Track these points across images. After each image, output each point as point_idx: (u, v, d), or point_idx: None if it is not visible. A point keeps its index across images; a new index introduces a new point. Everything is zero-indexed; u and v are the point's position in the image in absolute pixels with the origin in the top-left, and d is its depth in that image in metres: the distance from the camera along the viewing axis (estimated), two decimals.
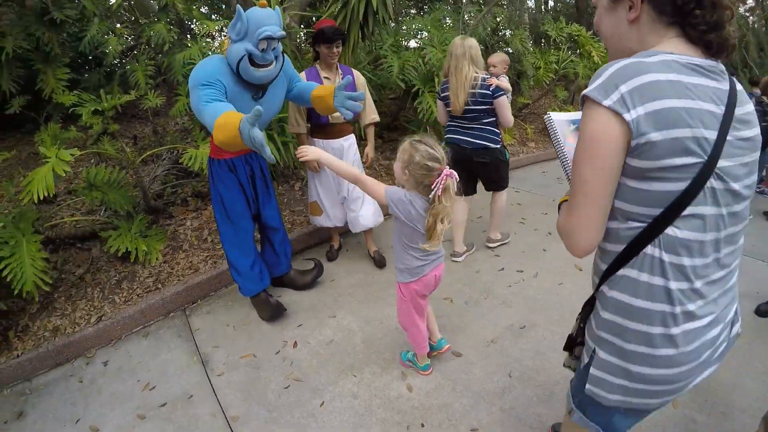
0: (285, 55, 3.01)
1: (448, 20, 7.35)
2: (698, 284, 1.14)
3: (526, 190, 6.11)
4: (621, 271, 1.19)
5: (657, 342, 1.17)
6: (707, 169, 1.04)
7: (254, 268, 3.38)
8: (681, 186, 1.05)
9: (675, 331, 1.16)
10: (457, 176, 2.17)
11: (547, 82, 7.65)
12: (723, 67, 1.10)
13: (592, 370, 1.32)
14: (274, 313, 3.45)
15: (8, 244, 3.17)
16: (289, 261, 3.77)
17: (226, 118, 2.27)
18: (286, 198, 4.97)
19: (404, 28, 6.75)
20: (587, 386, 1.34)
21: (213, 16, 6.25)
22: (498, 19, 7.71)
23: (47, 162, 3.23)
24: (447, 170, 2.12)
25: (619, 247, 1.18)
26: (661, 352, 1.17)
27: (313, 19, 5.14)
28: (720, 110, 1.05)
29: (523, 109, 8.48)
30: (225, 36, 2.94)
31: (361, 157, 3.97)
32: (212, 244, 4.20)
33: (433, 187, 2.13)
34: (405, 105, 6.45)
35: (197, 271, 3.94)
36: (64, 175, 3.20)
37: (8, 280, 3.11)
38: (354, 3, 4.23)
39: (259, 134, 2.00)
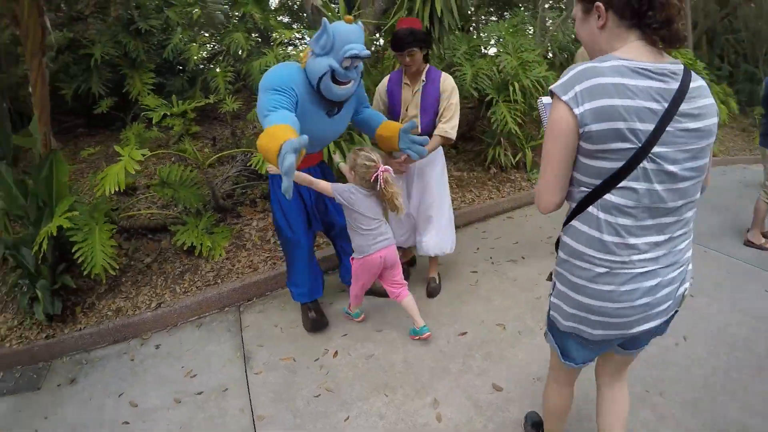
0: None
1: (530, 27, 7.09)
2: (632, 240, 1.42)
3: None
4: (571, 223, 1.53)
5: (597, 279, 1.48)
6: (641, 153, 1.31)
7: (307, 277, 3.37)
8: (617, 165, 1.34)
9: (611, 272, 1.46)
10: (392, 171, 2.92)
11: None
12: (677, 69, 1.34)
13: (552, 299, 1.68)
14: (314, 326, 3.43)
15: (82, 231, 3.50)
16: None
17: (277, 130, 2.23)
18: None
19: (483, 34, 6.58)
20: (550, 312, 1.70)
21: (294, 25, 6.48)
22: None
23: (120, 160, 3.52)
24: (382, 167, 2.87)
25: (573, 206, 1.51)
26: (601, 287, 1.48)
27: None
28: (661, 107, 1.30)
29: None
30: (306, 47, 2.93)
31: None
32: (274, 246, 4.31)
33: (372, 180, 2.88)
34: (479, 114, 6.33)
35: (256, 270, 4.05)
36: (133, 172, 3.49)
37: (79, 262, 3.43)
38: (418, 9, 4.13)
39: (290, 161, 2.00)
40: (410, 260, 4.18)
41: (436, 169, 3.57)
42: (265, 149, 2.23)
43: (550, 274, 1.78)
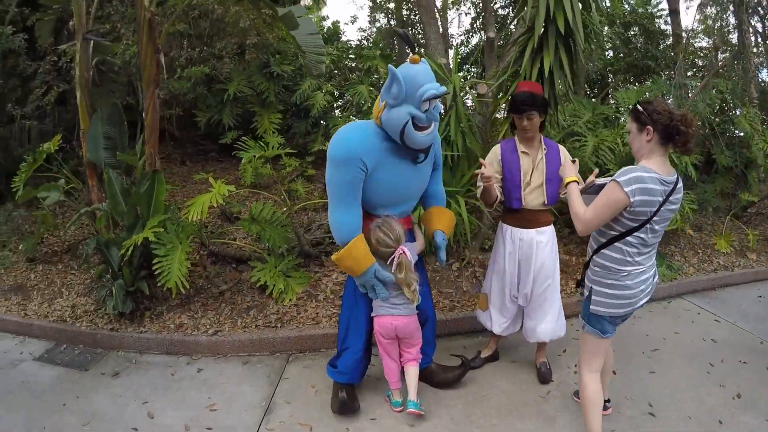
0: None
1: (670, 97, 6.20)
2: (637, 258, 2.45)
3: (729, 321, 4.50)
4: (604, 250, 2.49)
5: (622, 278, 2.46)
6: (647, 221, 2.35)
7: (349, 356, 3.19)
8: (637, 224, 2.37)
9: (629, 274, 2.45)
10: (409, 254, 2.90)
11: None
12: (674, 179, 2.38)
13: (593, 298, 2.54)
14: (341, 409, 3.17)
15: (165, 246, 3.93)
16: (432, 353, 3.45)
17: (357, 252, 2.70)
18: (438, 276, 4.78)
19: (612, 101, 5.89)
20: (591, 307, 2.54)
21: None
22: (724, 95, 6.21)
23: (210, 191, 3.90)
24: (400, 249, 2.85)
25: (604, 240, 2.49)
26: (624, 282, 2.46)
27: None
28: (662, 199, 2.32)
29: (747, 208, 6.62)
30: (377, 100, 2.82)
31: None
32: None
33: (388, 262, 2.87)
34: None
35: (318, 323, 4.11)
36: (216, 205, 3.92)
37: (156, 273, 3.84)
38: (525, 71, 3.87)
39: (382, 292, 2.73)
40: (493, 354, 3.79)
41: (550, 248, 3.35)
42: (347, 268, 2.75)
43: (578, 282, 2.77)
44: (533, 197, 3.18)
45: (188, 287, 3.93)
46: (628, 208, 2.30)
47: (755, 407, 3.22)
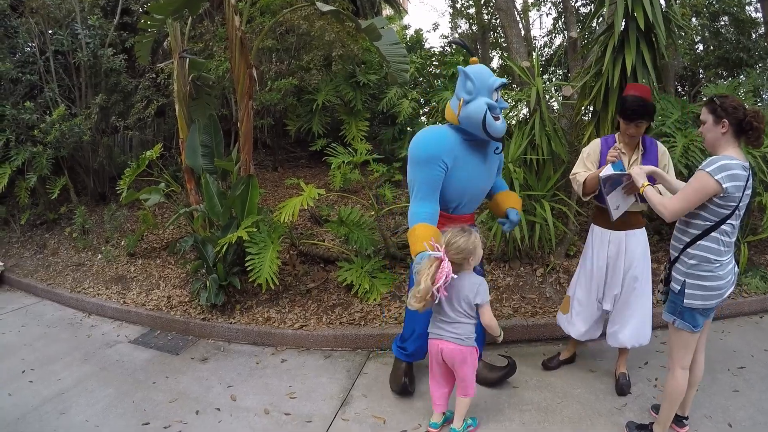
0: None
1: (764, 93, 5.75)
2: (728, 248, 2.57)
3: None
4: (701, 242, 2.55)
5: (716, 270, 2.54)
6: (737, 206, 2.47)
7: (415, 337, 3.36)
8: (728, 211, 2.48)
9: (722, 264, 2.54)
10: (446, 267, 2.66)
11: None
12: (750, 165, 2.51)
13: (687, 291, 2.59)
14: (400, 389, 3.40)
15: (258, 245, 4.25)
16: (480, 350, 3.50)
17: (423, 231, 2.80)
18: (522, 281, 4.78)
19: (703, 96, 5.56)
20: (685, 300, 2.59)
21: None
22: None
23: (301, 195, 4.19)
24: (442, 253, 2.68)
25: (698, 232, 2.55)
26: (718, 273, 2.54)
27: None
28: (745, 182, 2.43)
29: None
30: (447, 105, 3.09)
31: None
32: None
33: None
34: None
35: (400, 323, 4.22)
36: (306, 208, 4.18)
37: (248, 269, 4.17)
38: (607, 71, 3.83)
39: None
40: (571, 358, 3.80)
41: (642, 249, 3.31)
42: (411, 245, 2.85)
43: (663, 279, 2.83)
44: (621, 196, 3.12)
45: (278, 284, 4.23)
46: (720, 195, 2.42)
47: None
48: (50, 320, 4.85)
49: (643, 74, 3.84)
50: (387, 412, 3.30)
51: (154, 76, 6.58)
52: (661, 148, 3.22)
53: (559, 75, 9.89)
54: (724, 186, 2.38)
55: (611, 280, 3.32)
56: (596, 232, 3.36)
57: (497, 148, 3.11)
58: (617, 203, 3.07)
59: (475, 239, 2.74)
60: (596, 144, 3.31)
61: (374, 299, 4.45)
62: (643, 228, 3.32)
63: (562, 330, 3.65)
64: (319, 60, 6.48)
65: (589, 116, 4.49)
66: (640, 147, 3.17)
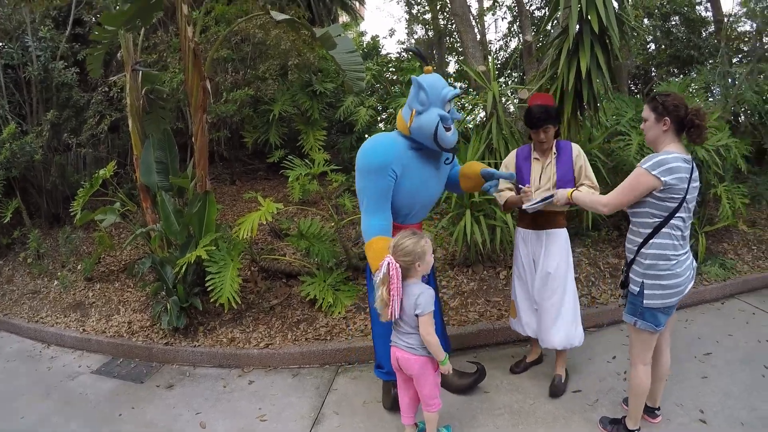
0: None
1: (715, 88, 5.93)
2: (683, 242, 2.61)
3: None
4: (652, 240, 2.58)
5: (673, 267, 2.57)
6: (683, 199, 2.51)
7: (387, 357, 3.24)
8: (676, 203, 2.52)
9: (678, 261, 2.58)
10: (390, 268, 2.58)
11: None
12: (692, 159, 2.57)
13: (646, 291, 2.62)
14: (393, 404, 3.33)
15: (217, 263, 4.12)
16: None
17: (380, 245, 2.75)
18: (486, 285, 4.77)
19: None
20: (645, 301, 2.62)
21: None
22: None
23: (260, 210, 4.08)
24: (387, 258, 2.59)
25: (648, 230, 2.59)
26: (675, 271, 2.58)
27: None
28: (688, 175, 2.49)
29: None
30: (399, 113, 3.06)
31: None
32: None
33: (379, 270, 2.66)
34: None
35: (367, 335, 4.19)
36: (265, 223, 4.08)
37: (209, 290, 4.04)
38: (562, 74, 3.86)
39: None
40: (538, 359, 3.83)
41: (560, 249, 3.35)
42: (369, 261, 2.82)
43: (622, 282, 2.83)
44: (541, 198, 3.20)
45: (240, 302, 4.11)
46: (660, 189, 2.49)
47: None
48: (8, 354, 4.62)
49: (598, 76, 3.87)
50: (360, 428, 3.25)
51: (107, 89, 6.34)
52: (576, 150, 3.30)
53: (515, 78, 10.00)
54: (662, 180, 2.44)
55: (537, 278, 3.38)
56: (520, 233, 3.46)
57: (447, 158, 3.08)
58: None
59: (424, 244, 2.64)
60: (512, 156, 3.45)
61: (339, 312, 4.37)
62: (564, 228, 3.38)
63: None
64: (276, 69, 6.39)
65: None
66: (554, 150, 3.27)
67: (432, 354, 2.71)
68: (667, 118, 2.54)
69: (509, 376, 3.69)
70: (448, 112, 2.84)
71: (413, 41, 11.46)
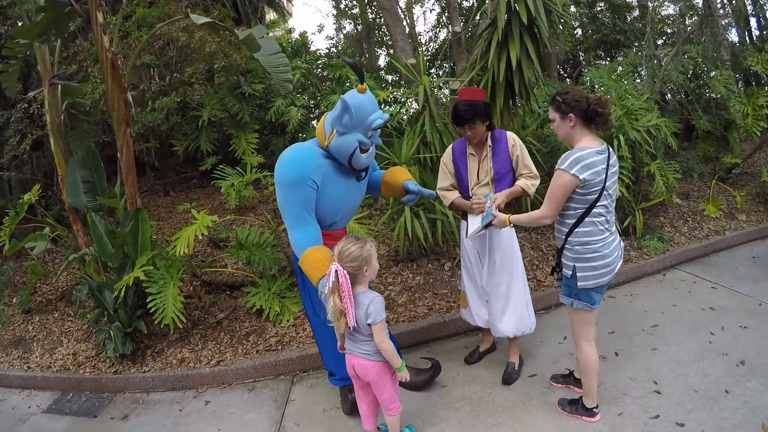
0: None
1: (643, 70, 6.23)
2: (607, 226, 2.72)
3: (726, 286, 4.52)
4: (577, 229, 2.70)
5: (600, 249, 2.70)
6: (602, 189, 2.62)
7: (341, 362, 3.20)
8: (596, 194, 2.63)
9: (606, 242, 2.70)
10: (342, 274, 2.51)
11: (759, 133, 5.98)
12: (605, 147, 2.67)
13: (578, 274, 2.74)
14: (352, 409, 3.28)
15: (157, 283, 3.95)
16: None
17: (315, 258, 2.68)
18: (432, 278, 4.79)
19: (587, 79, 5.92)
20: (579, 283, 2.75)
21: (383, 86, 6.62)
22: (696, 60, 6.31)
23: (194, 223, 3.94)
24: (333, 267, 2.51)
25: (573, 221, 2.70)
26: (603, 252, 2.71)
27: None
28: (605, 166, 2.60)
29: (732, 170, 6.61)
30: (320, 121, 2.97)
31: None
32: None
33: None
34: None
35: None
36: (201, 237, 3.93)
37: (151, 311, 3.87)
38: (492, 65, 3.88)
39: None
40: (491, 347, 3.86)
41: (506, 240, 3.37)
42: (308, 274, 2.71)
43: (553, 269, 2.96)
44: (483, 193, 3.23)
45: (185, 321, 3.97)
46: (581, 186, 2.59)
47: (761, 372, 3.23)
48: None
49: (528, 65, 3.90)
50: None
51: (26, 105, 5.88)
52: (511, 139, 3.27)
53: (446, 68, 10.05)
54: (581, 177, 2.55)
55: (485, 269, 3.40)
56: (464, 225, 3.44)
57: (360, 176, 3.01)
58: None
59: (369, 248, 2.60)
60: (449, 153, 3.42)
61: (287, 320, 4.29)
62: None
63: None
64: (202, 73, 6.18)
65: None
66: (488, 143, 3.24)
67: (388, 361, 2.66)
68: (571, 114, 2.63)
69: (464, 368, 3.71)
70: (370, 137, 2.78)
71: (342, 35, 11.34)
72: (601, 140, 2.72)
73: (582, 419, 3.00)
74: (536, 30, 3.91)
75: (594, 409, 3.00)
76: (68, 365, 4.18)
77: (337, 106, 2.70)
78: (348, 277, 2.50)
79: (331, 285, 2.50)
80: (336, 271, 2.49)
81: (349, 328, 2.56)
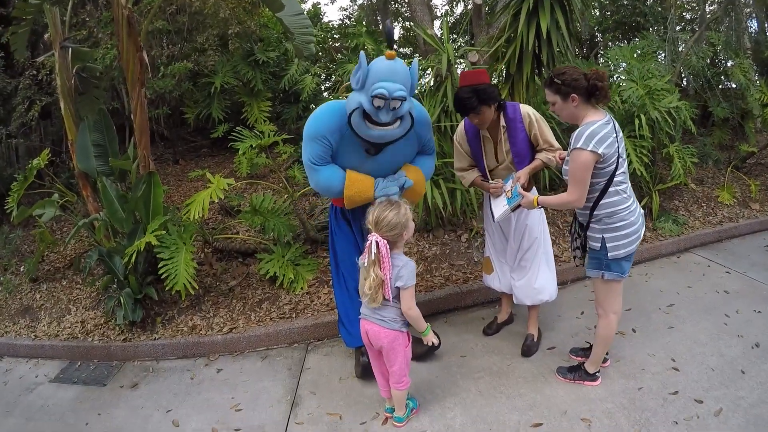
0: (412, 116, 2.77)
1: (661, 52, 6.11)
2: (630, 192, 2.74)
3: (739, 272, 4.39)
4: (601, 202, 2.66)
5: (627, 217, 2.67)
6: (618, 157, 2.62)
7: (351, 320, 3.16)
8: (614, 164, 2.60)
9: (630, 210, 2.69)
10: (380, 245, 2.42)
11: None
12: (610, 116, 2.66)
13: (608, 245, 2.70)
14: (364, 372, 3.21)
15: (169, 249, 3.79)
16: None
17: (355, 176, 2.79)
18: (448, 249, 4.67)
19: (602, 61, 5.81)
20: (609, 254, 2.70)
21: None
22: (717, 47, 6.20)
23: (209, 187, 3.77)
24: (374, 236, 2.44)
25: (596, 194, 2.65)
26: (630, 220, 2.69)
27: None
28: (615, 134, 2.61)
29: (747, 159, 6.48)
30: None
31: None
32: None
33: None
34: None
35: (333, 309, 3.97)
36: (217, 200, 3.74)
37: (163, 277, 3.73)
38: (521, 30, 3.71)
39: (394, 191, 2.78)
40: (509, 319, 3.76)
41: (534, 211, 3.24)
42: (357, 191, 2.79)
43: (579, 247, 2.89)
44: (502, 176, 3.13)
45: (197, 287, 3.83)
46: (600, 161, 2.55)
47: None
48: None
49: (558, 38, 3.74)
50: (340, 406, 3.07)
51: (34, 72, 5.69)
52: (526, 115, 3.02)
53: (462, 42, 9.86)
54: (600, 152, 2.50)
55: (512, 235, 3.31)
56: (486, 197, 3.32)
57: (368, 150, 2.82)
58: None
59: (405, 211, 2.47)
60: (461, 130, 3.21)
61: (301, 288, 4.16)
62: (534, 188, 3.27)
63: (496, 292, 3.60)
64: (215, 40, 5.97)
65: (503, 79, 4.36)
66: (502, 123, 3.02)
67: (414, 327, 2.58)
68: (573, 94, 2.56)
69: (483, 339, 3.63)
70: (377, 108, 2.56)
71: (356, 7, 11.04)
72: (603, 111, 2.67)
73: (585, 384, 3.03)
74: (566, 1, 3.76)
75: (596, 374, 3.05)
76: (76, 333, 4.03)
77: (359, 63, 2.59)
78: (388, 246, 2.41)
79: (373, 257, 2.39)
80: (376, 242, 2.39)
81: (388, 300, 2.45)
